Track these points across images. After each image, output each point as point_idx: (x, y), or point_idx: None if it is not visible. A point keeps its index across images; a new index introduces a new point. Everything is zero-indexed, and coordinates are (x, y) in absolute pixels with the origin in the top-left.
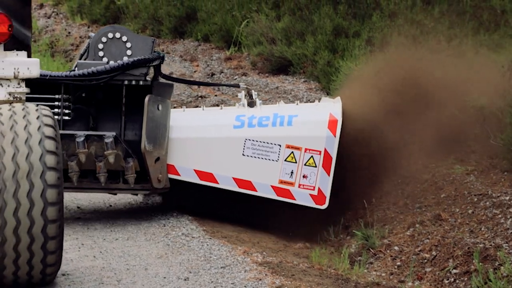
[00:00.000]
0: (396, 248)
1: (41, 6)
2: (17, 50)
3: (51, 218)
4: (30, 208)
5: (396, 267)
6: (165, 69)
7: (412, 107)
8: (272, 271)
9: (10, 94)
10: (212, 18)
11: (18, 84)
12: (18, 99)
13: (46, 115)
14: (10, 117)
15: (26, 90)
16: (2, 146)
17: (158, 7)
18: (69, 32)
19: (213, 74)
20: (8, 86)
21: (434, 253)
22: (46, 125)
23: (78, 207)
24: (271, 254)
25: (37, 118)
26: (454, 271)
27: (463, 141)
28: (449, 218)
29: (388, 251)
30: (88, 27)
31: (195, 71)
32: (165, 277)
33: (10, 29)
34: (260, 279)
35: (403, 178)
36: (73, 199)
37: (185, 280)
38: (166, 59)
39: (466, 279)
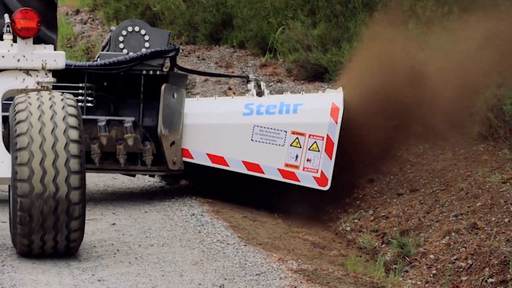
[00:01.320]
0: (431, 256)
1: (77, 12)
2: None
3: (74, 201)
4: (55, 192)
5: (431, 275)
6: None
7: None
8: (307, 278)
9: (38, 83)
10: (247, 25)
11: (46, 74)
12: (45, 88)
13: (70, 105)
14: (38, 107)
15: (53, 80)
16: (31, 135)
17: (194, 14)
18: (105, 38)
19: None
20: (37, 76)
21: (470, 261)
22: (71, 115)
23: (114, 213)
24: (306, 261)
25: (62, 108)
26: (490, 280)
27: (499, 149)
28: (485, 227)
29: (423, 259)
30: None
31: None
32: (200, 284)
33: (38, 24)
34: (295, 287)
35: (438, 185)
36: (109, 205)
37: (220, 287)
38: (201, 65)
39: None
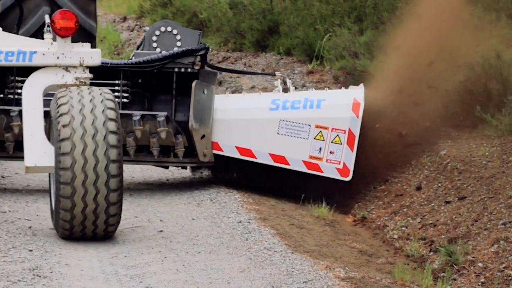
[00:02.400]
0: (480, 264)
1: (124, 19)
2: (83, 39)
3: (112, 188)
4: (96, 179)
5: (480, 284)
6: (247, 82)
7: None
8: (354, 286)
9: (76, 79)
10: (294, 32)
11: (83, 70)
12: (83, 83)
13: (108, 99)
14: (79, 101)
15: (90, 75)
16: (73, 127)
17: (241, 21)
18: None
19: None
20: (75, 72)
21: None
22: (109, 108)
23: (161, 220)
24: (353, 269)
25: (101, 102)
26: None
27: None
28: None
29: (472, 267)
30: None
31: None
32: None
33: (76, 24)
34: None
35: (486, 193)
36: (156, 212)
37: None
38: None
39: None
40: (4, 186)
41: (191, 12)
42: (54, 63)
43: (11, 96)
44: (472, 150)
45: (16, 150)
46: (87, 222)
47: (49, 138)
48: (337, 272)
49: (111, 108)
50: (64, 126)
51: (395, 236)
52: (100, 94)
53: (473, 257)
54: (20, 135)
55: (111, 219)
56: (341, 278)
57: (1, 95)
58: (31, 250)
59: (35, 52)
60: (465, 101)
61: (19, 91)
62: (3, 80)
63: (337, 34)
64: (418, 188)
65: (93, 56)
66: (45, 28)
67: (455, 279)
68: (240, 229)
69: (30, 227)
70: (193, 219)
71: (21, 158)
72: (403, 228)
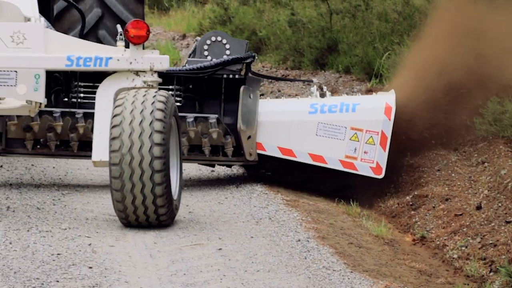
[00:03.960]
0: None
1: (184, 36)
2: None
3: (157, 182)
4: (141, 174)
5: None
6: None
7: None
8: None
9: (144, 82)
10: (353, 50)
11: (152, 74)
12: (151, 86)
13: (160, 101)
14: (132, 103)
15: (159, 80)
16: (122, 126)
17: (300, 39)
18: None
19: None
20: (144, 76)
21: None
22: (158, 109)
23: (220, 238)
24: None
25: (152, 103)
26: None
27: None
28: None
29: None
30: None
31: None
32: None
33: (148, 32)
34: None
35: None
36: (215, 230)
37: None
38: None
39: None
40: (64, 203)
41: (250, 30)
42: (127, 68)
43: (74, 100)
44: None
45: (80, 150)
46: (139, 212)
47: None
48: None
49: (160, 109)
50: (115, 126)
51: (455, 256)
52: (154, 96)
53: None
54: (84, 135)
55: (160, 210)
56: None
57: (66, 99)
58: (90, 267)
59: (110, 58)
60: None
61: (81, 95)
62: (68, 85)
63: (397, 53)
64: (478, 208)
65: (162, 61)
66: (118, 36)
67: None
68: (298, 247)
69: (89, 244)
70: (252, 237)
71: (85, 157)
72: (463, 248)
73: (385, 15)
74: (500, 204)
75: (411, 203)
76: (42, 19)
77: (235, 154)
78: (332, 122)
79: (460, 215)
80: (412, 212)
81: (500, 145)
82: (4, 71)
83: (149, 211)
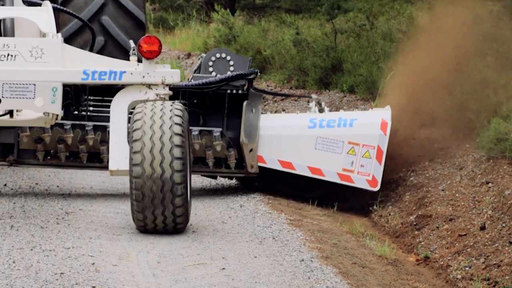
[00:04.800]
0: None
1: (189, 55)
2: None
3: (178, 194)
4: (162, 186)
5: None
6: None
7: None
8: None
9: (157, 95)
10: (357, 70)
11: (163, 87)
12: (163, 98)
13: (177, 115)
14: (151, 117)
15: (170, 92)
16: (143, 140)
17: (304, 58)
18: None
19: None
20: (156, 89)
21: None
22: (176, 124)
23: (223, 258)
24: None
25: (170, 118)
26: None
27: None
28: None
29: None
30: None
31: None
32: None
33: (160, 48)
34: None
35: None
36: (218, 249)
37: None
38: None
39: None
40: (68, 222)
41: (255, 49)
42: (140, 81)
43: (84, 113)
44: None
45: (89, 161)
46: (158, 221)
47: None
48: None
49: (178, 124)
50: (136, 140)
51: (459, 276)
52: (170, 110)
53: None
54: (93, 147)
55: (178, 219)
56: None
57: (76, 112)
58: (94, 287)
59: (124, 72)
60: None
61: (91, 108)
62: (78, 99)
63: (401, 72)
64: (482, 228)
65: (173, 75)
66: (131, 52)
67: None
68: (302, 267)
69: (93, 264)
70: (255, 257)
71: (93, 167)
72: (467, 268)
73: (389, 35)
74: (504, 225)
75: (415, 223)
76: (59, 34)
77: (237, 166)
78: (330, 137)
79: (464, 235)
80: (416, 232)
81: (504, 165)
82: (23, 84)
83: (167, 220)
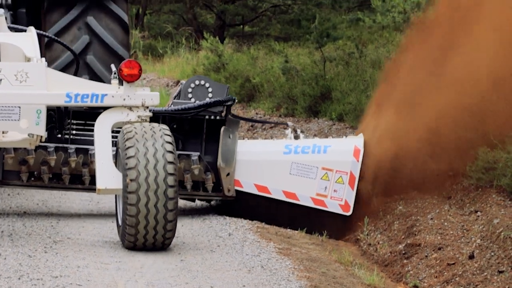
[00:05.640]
0: None
1: (177, 83)
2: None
3: (170, 208)
4: (156, 201)
5: None
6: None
7: None
8: None
9: (138, 117)
10: (346, 98)
11: (144, 109)
12: (144, 120)
13: (166, 134)
14: (142, 136)
15: (150, 114)
16: (138, 157)
17: (293, 86)
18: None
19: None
20: (137, 111)
21: None
22: (167, 142)
23: (212, 287)
24: None
25: (161, 137)
26: None
27: None
28: None
29: None
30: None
31: None
32: None
33: (140, 71)
34: None
35: None
36: (207, 278)
37: None
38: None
39: None
40: (56, 251)
41: (244, 77)
42: (121, 104)
43: (67, 136)
44: None
45: (71, 182)
46: (148, 236)
47: (115, 164)
48: None
49: (169, 142)
50: (130, 157)
51: None
52: (160, 130)
53: None
54: (75, 169)
55: (168, 233)
56: None
57: (59, 135)
58: None
59: (106, 94)
60: None
61: (74, 132)
62: (61, 123)
63: None
64: (471, 257)
65: (153, 98)
66: (112, 75)
67: None
68: None
69: None
70: (244, 286)
71: (76, 189)
72: None
73: (378, 63)
74: (492, 254)
75: (403, 252)
76: (43, 59)
77: (215, 189)
78: (304, 162)
79: (453, 264)
80: (405, 260)
81: (493, 194)
82: (9, 106)
83: (158, 235)
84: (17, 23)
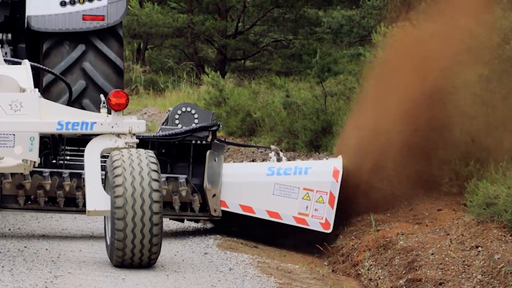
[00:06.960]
0: None
1: None
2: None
3: (155, 233)
4: (142, 227)
5: None
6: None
7: None
8: None
9: (126, 143)
10: None
11: (131, 136)
12: (131, 146)
13: (152, 162)
14: (129, 164)
15: (137, 140)
16: (125, 186)
17: (294, 121)
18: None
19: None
20: (125, 138)
21: None
22: (153, 170)
23: None
24: None
25: (147, 165)
26: None
27: None
28: None
29: None
30: (224, 139)
31: None
32: None
33: (127, 101)
34: None
35: None
36: None
37: None
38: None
39: None
40: (57, 286)
41: (245, 111)
42: (109, 131)
43: (61, 162)
44: None
45: (66, 205)
46: (135, 250)
47: (104, 188)
48: None
49: (154, 170)
50: (118, 185)
51: None
52: (146, 157)
53: None
54: (69, 192)
55: (154, 248)
56: None
57: (54, 161)
58: None
59: (95, 122)
60: None
61: (67, 157)
62: (56, 149)
63: None
64: (441, 283)
65: (139, 125)
66: (101, 104)
67: None
68: None
69: None
70: None
71: (70, 211)
72: None
73: None
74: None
75: (404, 287)
76: (36, 90)
77: (202, 210)
78: (287, 183)
79: None
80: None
81: (494, 229)
82: (4, 134)
83: (144, 249)
84: (17, 57)
